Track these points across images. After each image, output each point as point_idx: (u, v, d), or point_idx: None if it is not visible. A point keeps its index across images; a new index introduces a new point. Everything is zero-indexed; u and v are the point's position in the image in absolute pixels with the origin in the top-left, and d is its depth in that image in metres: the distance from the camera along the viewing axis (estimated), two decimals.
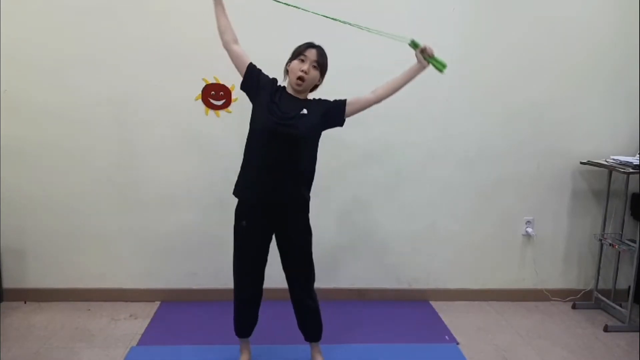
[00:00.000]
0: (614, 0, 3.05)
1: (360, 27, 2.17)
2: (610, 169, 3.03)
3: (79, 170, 2.97)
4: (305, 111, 2.13)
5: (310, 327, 2.38)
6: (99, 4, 2.81)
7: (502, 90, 3.09)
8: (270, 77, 2.21)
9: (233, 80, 2.92)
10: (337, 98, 2.21)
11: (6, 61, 2.82)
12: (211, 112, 2.96)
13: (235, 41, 2.19)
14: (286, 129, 2.07)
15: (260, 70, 2.20)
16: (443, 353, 2.65)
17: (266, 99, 2.13)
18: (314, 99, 2.22)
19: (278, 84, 2.21)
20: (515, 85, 3.09)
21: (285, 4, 2.16)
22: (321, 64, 2.13)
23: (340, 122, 2.21)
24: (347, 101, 2.18)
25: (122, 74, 2.89)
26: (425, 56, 2.10)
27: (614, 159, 3.03)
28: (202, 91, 2.92)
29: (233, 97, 2.94)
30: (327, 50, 2.18)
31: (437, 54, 2.03)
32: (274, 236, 2.27)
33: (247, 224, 2.18)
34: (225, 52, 2.91)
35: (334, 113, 2.18)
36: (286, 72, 2.18)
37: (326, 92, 2.24)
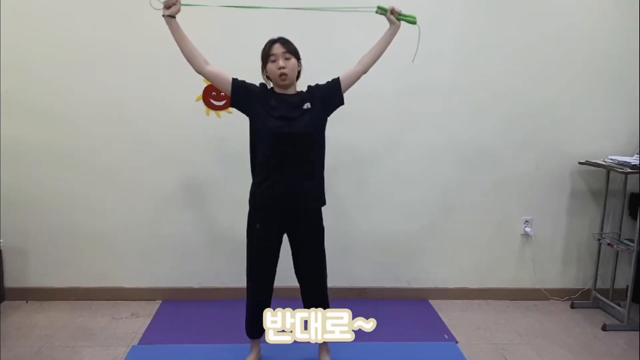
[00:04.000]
0: (613, 2, 3.06)
1: (322, 9, 2.20)
2: (608, 169, 3.04)
3: (79, 170, 2.98)
4: (308, 105, 2.14)
5: None
6: (98, 5, 2.82)
7: (501, 90, 3.10)
8: (257, 84, 2.19)
9: None
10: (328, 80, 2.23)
11: (6, 62, 2.83)
12: (212, 112, 2.97)
13: (207, 62, 2.15)
14: (295, 129, 2.08)
15: (245, 81, 2.17)
16: (442, 352, 2.66)
17: (264, 107, 2.12)
18: (308, 87, 2.23)
19: (268, 87, 2.20)
20: (515, 85, 3.10)
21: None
22: (291, 51, 2.13)
23: (340, 101, 2.24)
24: (340, 78, 2.21)
25: (122, 75, 2.90)
26: (396, 15, 2.17)
27: (612, 159, 3.04)
28: (203, 92, 2.93)
29: None
30: (307, 41, 2.18)
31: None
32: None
33: (260, 226, 2.19)
34: (225, 52, 2.94)
35: (333, 94, 2.21)
36: (267, 78, 2.18)
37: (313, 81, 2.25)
